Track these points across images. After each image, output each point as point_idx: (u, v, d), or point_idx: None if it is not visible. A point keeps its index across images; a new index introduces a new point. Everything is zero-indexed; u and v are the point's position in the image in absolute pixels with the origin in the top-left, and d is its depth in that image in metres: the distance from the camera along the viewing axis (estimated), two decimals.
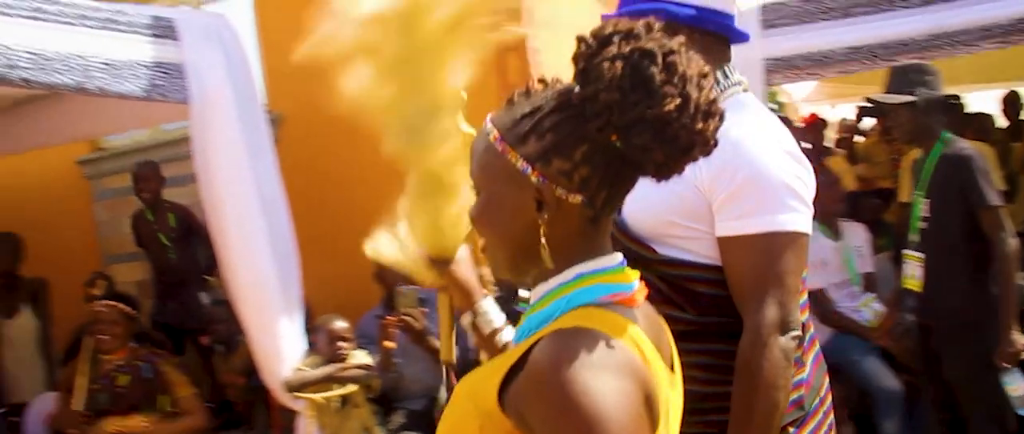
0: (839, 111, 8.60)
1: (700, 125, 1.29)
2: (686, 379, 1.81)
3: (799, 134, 6.07)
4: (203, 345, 5.77)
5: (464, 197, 1.84)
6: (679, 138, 1.29)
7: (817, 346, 2.27)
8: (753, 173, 2.05)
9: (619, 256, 1.42)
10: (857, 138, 7.55)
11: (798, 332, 2.07)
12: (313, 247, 3.96)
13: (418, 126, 1.89)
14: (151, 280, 6.08)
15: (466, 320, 1.90)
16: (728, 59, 2.27)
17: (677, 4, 2.23)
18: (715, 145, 1.34)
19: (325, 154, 4.19)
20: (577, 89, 1.33)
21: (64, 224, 6.51)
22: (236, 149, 3.70)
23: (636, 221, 2.19)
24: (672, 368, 1.44)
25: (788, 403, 2.10)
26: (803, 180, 2.10)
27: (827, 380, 2.30)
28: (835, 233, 4.77)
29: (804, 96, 8.39)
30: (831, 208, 4.75)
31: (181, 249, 5.90)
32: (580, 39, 1.33)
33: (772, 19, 3.86)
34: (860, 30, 3.74)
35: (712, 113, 1.31)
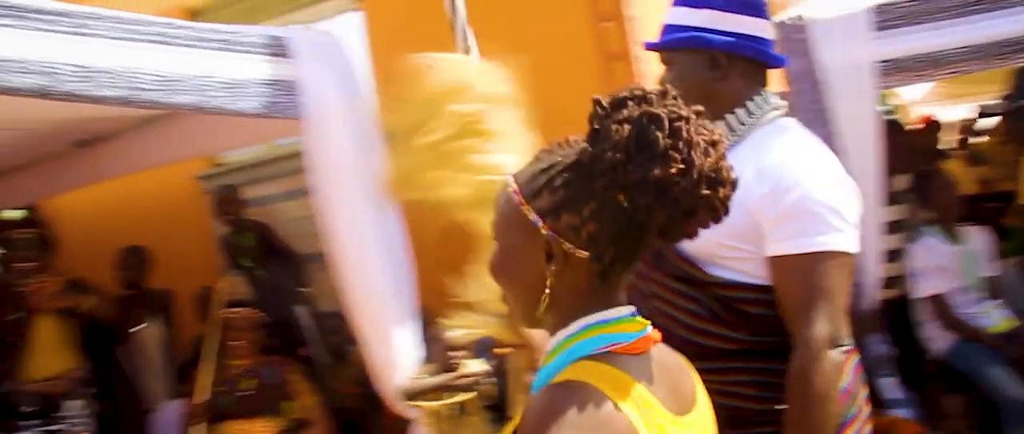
0: (954, 112, 8.36)
1: (705, 191, 1.37)
2: (737, 396, 2.15)
3: (913, 137, 5.92)
4: (302, 357, 5.90)
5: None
6: (681, 201, 1.36)
7: (856, 356, 2.31)
8: (800, 196, 2.14)
9: (630, 308, 1.49)
10: (975, 139, 7.32)
11: (847, 346, 2.15)
12: (427, 257, 4.01)
13: (475, 197, 2.03)
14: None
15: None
16: (765, 84, 2.35)
17: (714, 32, 2.31)
18: (726, 212, 1.42)
19: None
20: (589, 149, 1.41)
21: (184, 238, 6.71)
22: (349, 162, 3.77)
23: (689, 242, 2.22)
24: (692, 407, 1.50)
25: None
26: (847, 201, 2.20)
27: (865, 390, 2.34)
28: (953, 237, 4.63)
29: (917, 98, 8.18)
30: (948, 212, 4.62)
31: (267, 266, 6.05)
32: (596, 102, 1.41)
33: (884, 20, 3.76)
34: (976, 29, 3.61)
35: (720, 181, 1.38)
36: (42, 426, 5.17)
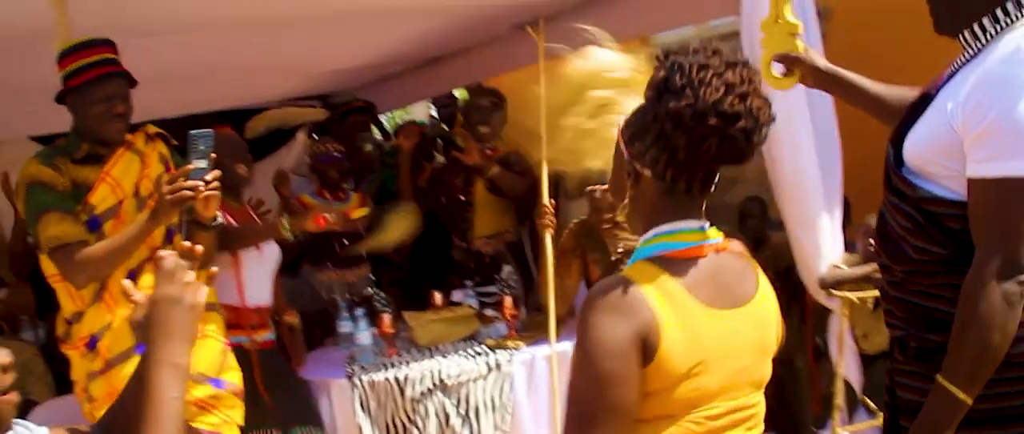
0: None
1: (712, 121, 1.73)
2: (940, 299, 2.28)
3: None
4: None
5: None
6: (692, 129, 1.75)
7: None
8: (1000, 115, 2.09)
9: (697, 221, 1.87)
10: None
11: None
12: (858, 144, 3.89)
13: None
14: None
15: None
16: None
17: None
18: (747, 143, 1.77)
19: (874, 48, 4.07)
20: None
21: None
22: None
23: (908, 156, 2.34)
24: (740, 304, 1.88)
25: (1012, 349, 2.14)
26: None
27: None
28: None
29: None
30: None
31: None
32: (656, 56, 1.85)
33: None
34: None
35: (732, 116, 1.73)
36: (477, 286, 5.50)
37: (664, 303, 1.77)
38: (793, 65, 2.73)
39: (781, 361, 5.28)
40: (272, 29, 4.45)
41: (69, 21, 3.22)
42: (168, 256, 1.81)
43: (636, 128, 1.87)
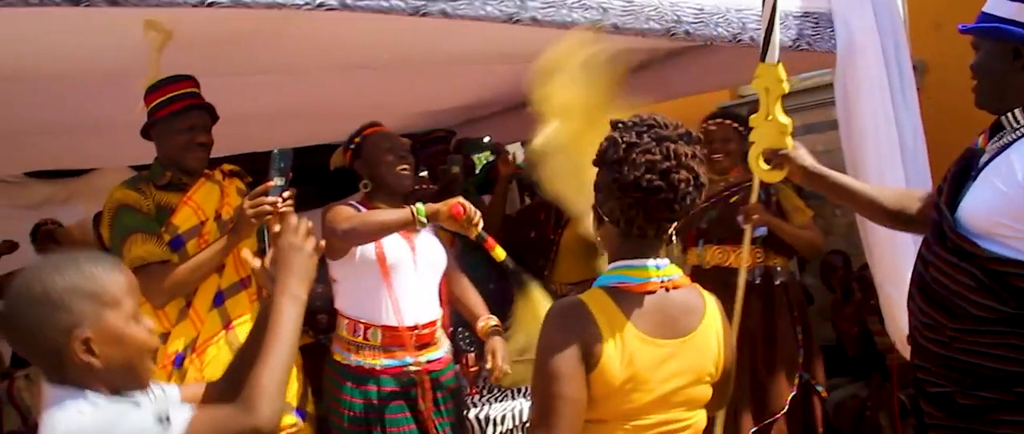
0: None
1: (636, 194, 2.10)
2: (994, 358, 2.39)
3: None
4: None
5: None
6: (621, 199, 2.13)
7: None
8: None
9: (652, 260, 2.19)
10: None
11: None
12: None
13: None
14: None
15: None
16: None
17: (1019, 24, 2.42)
18: (668, 209, 2.11)
19: (968, 102, 4.02)
20: None
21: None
22: (880, 98, 3.69)
23: (969, 218, 2.46)
24: (679, 336, 2.18)
25: None
26: None
27: None
28: None
29: None
30: None
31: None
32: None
33: None
34: None
35: (653, 189, 2.08)
36: None
37: (607, 325, 2.10)
38: (782, 161, 2.93)
39: (865, 419, 5.15)
40: (364, 72, 4.54)
41: (167, 60, 3.37)
42: (292, 214, 2.20)
43: (596, 182, 2.24)
